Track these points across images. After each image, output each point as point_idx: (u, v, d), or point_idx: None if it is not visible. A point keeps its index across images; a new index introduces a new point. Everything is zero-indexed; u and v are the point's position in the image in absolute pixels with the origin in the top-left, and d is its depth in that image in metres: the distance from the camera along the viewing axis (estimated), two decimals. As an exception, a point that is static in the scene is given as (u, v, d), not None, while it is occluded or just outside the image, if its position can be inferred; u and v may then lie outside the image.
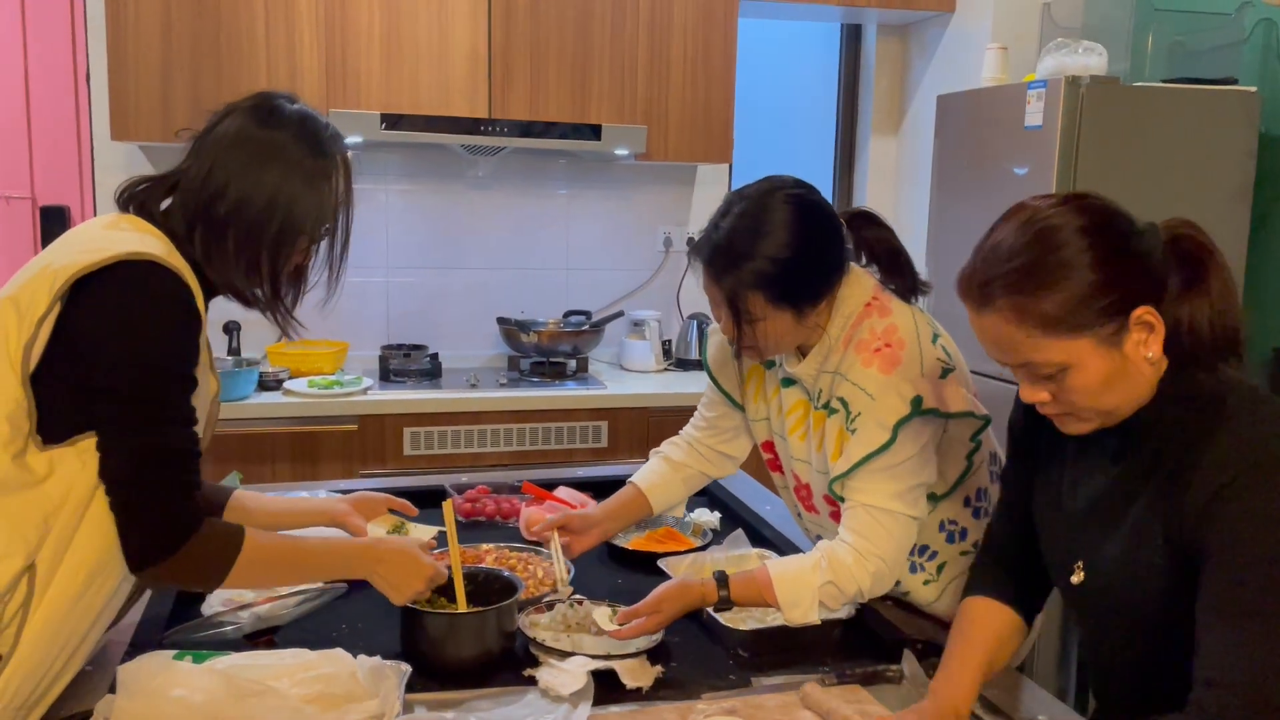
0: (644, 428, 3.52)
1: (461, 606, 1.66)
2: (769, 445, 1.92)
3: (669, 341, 4.02)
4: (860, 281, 1.72)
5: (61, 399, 1.28)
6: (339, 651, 1.47)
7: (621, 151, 3.59)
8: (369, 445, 3.31)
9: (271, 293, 1.45)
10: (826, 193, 4.48)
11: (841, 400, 1.67)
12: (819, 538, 1.97)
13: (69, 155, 3.55)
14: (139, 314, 1.28)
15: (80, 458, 1.28)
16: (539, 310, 3.95)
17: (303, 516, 1.73)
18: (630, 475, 2.08)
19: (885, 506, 1.63)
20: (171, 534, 1.29)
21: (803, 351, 1.75)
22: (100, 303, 1.28)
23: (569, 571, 1.86)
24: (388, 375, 3.61)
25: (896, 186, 4.32)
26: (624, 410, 3.51)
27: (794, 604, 1.64)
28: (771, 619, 1.72)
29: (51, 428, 1.27)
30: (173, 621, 1.67)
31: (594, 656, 1.58)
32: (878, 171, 4.34)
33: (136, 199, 1.43)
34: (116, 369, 1.27)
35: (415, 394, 3.40)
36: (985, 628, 1.44)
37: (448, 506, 1.74)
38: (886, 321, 1.67)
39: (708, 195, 4.12)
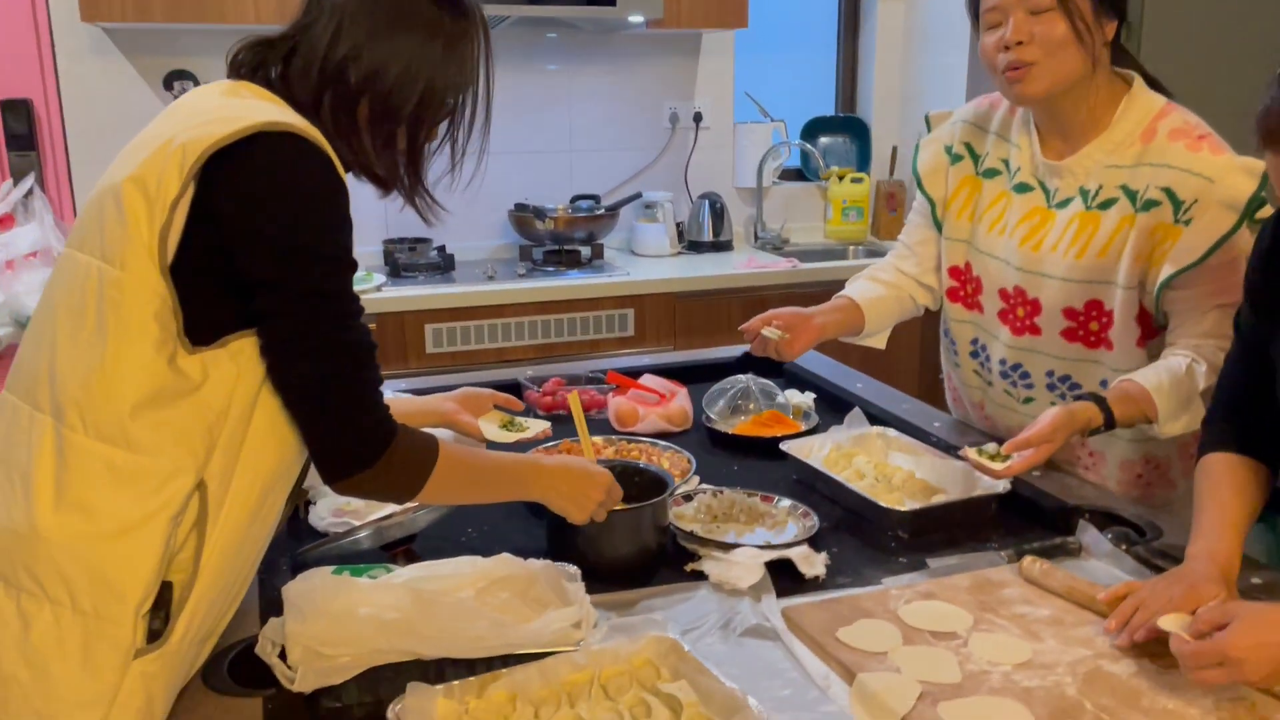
0: (670, 314, 3.40)
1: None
2: (958, 271, 1.86)
3: (681, 224, 3.87)
4: (1149, 91, 1.68)
5: (206, 294, 1.11)
6: (507, 557, 1.35)
7: (635, 19, 3.37)
8: (389, 344, 3.14)
9: (413, 173, 1.28)
10: (829, 58, 4.34)
11: (1166, 191, 1.58)
12: (980, 402, 1.90)
13: (27, 44, 3.21)
14: (292, 192, 1.11)
15: (234, 360, 1.11)
16: (543, 196, 3.76)
17: (412, 419, 1.58)
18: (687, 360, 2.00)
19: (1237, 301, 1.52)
20: (372, 443, 1.14)
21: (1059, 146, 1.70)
22: (245, 181, 1.10)
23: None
24: (397, 271, 3.41)
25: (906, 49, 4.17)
26: (649, 297, 3.38)
27: (1174, 415, 1.57)
28: (935, 499, 1.65)
29: (197, 327, 1.11)
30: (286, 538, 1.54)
31: (759, 547, 1.49)
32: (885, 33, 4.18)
33: (250, 63, 1.24)
34: (277, 257, 1.10)
35: (431, 289, 3.21)
36: (1234, 484, 1.36)
37: (574, 399, 1.62)
38: (1196, 118, 1.62)
39: (714, 66, 3.92)
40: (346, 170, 1.25)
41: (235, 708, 1.16)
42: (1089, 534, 1.53)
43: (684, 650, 1.22)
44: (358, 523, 1.56)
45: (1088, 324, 1.68)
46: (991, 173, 1.81)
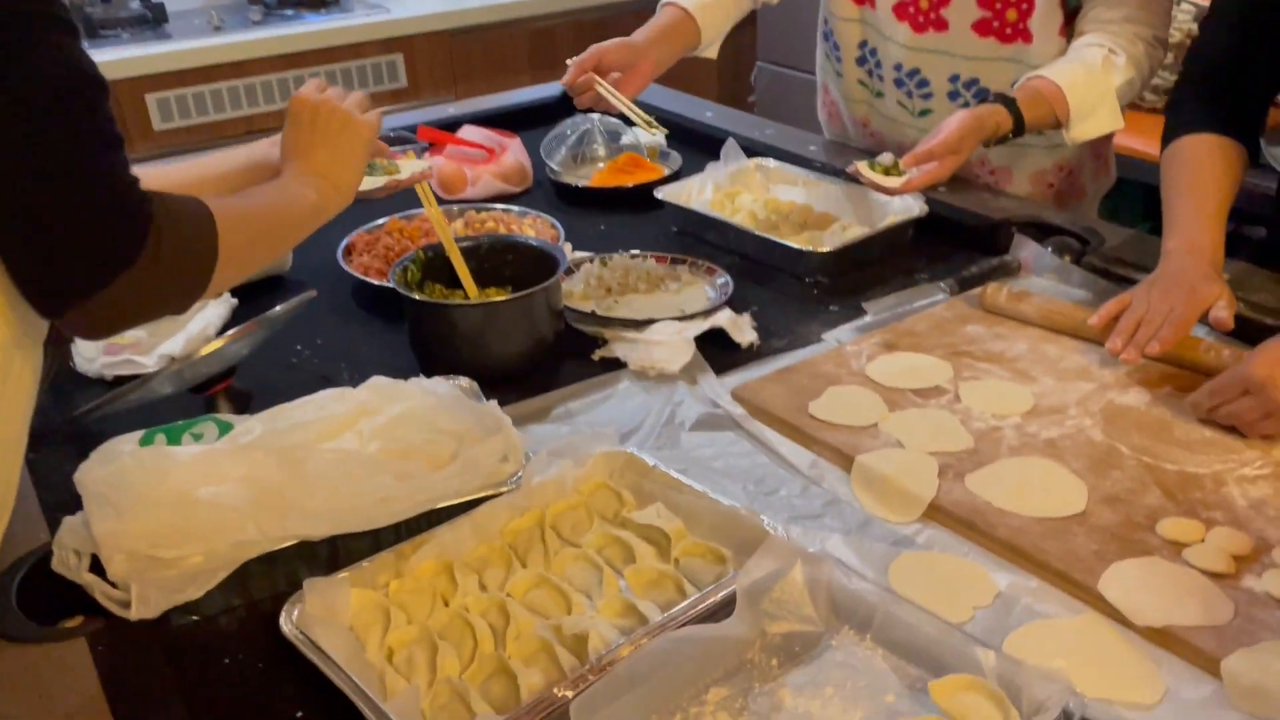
0: (447, 57, 2.91)
1: (471, 292, 1.23)
2: None
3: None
4: None
5: None
6: (383, 381, 1.01)
7: None
8: (104, 125, 2.52)
9: None
10: None
11: None
12: (865, 117, 1.65)
13: None
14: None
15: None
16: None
17: (227, 180, 1.12)
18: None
19: None
20: (126, 232, 0.73)
21: None
22: None
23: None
24: (93, 31, 2.70)
25: None
26: (418, 39, 2.86)
27: (1084, 115, 1.37)
28: (848, 234, 1.41)
29: None
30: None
31: (677, 319, 1.22)
32: None
33: None
34: None
35: (141, 50, 2.58)
36: (1212, 169, 1.17)
37: (408, 160, 1.24)
38: None
39: None
40: None
41: (42, 657, 0.80)
42: (1027, 248, 1.35)
43: (645, 463, 0.96)
44: (143, 358, 1.16)
45: (1004, 12, 1.44)
46: None
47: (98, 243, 0.72)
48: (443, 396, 0.99)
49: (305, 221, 0.97)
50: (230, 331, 1.08)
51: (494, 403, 1.00)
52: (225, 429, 0.97)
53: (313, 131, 1.02)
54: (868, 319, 1.27)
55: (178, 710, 0.76)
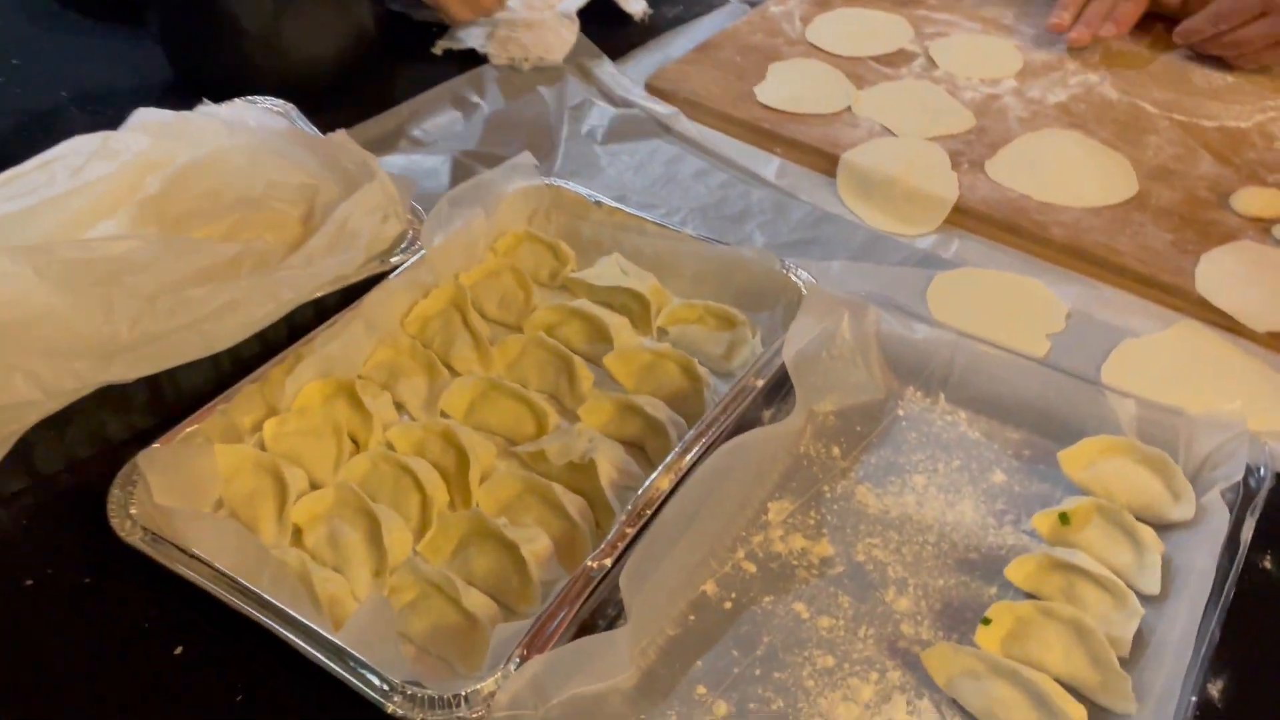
0: None
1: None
2: None
3: None
4: None
5: None
6: (161, 116, 0.66)
7: None
8: None
9: None
10: None
11: None
12: None
13: None
14: None
15: None
16: None
17: None
18: None
19: None
20: None
21: None
22: None
23: None
24: None
25: None
26: None
27: None
28: None
29: None
30: None
31: (541, -14, 0.91)
32: None
33: None
34: None
35: None
36: None
37: None
38: None
39: None
40: None
41: None
42: None
43: (579, 196, 0.68)
44: None
45: None
46: None
47: None
48: (262, 131, 0.66)
49: None
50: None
51: (342, 133, 0.68)
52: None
53: None
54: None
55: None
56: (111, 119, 0.67)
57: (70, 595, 0.52)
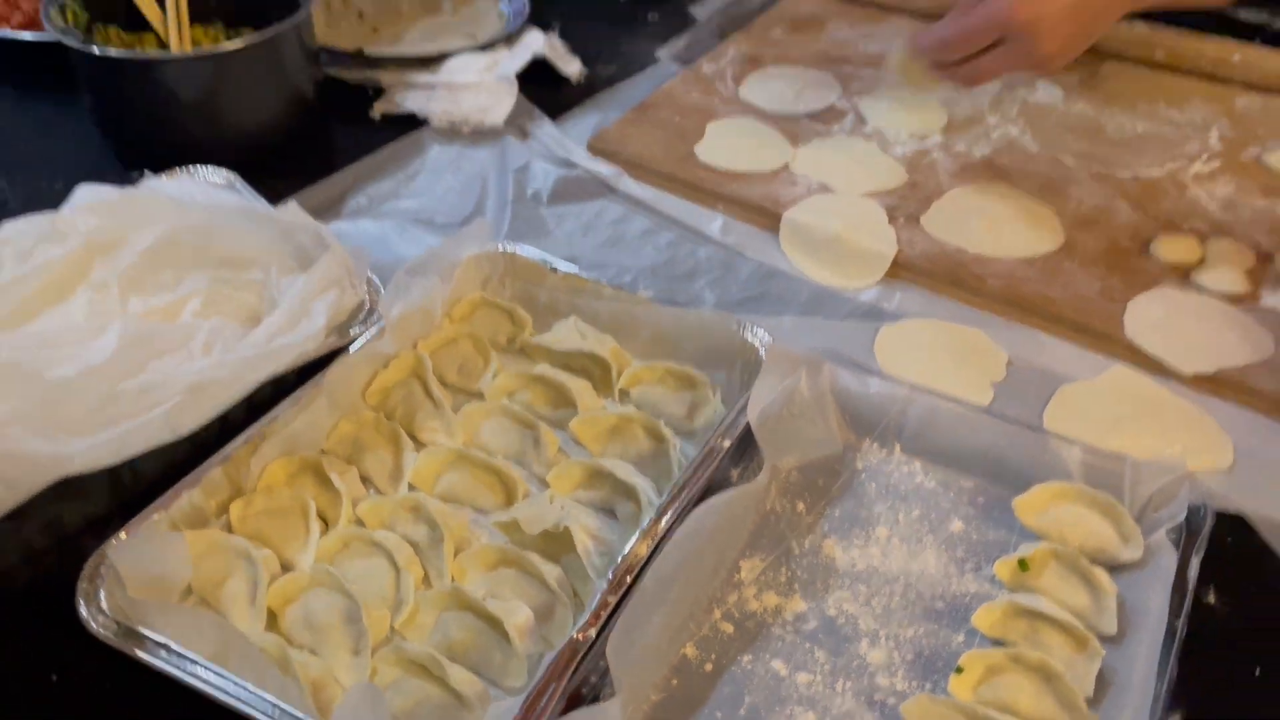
0: None
1: (165, 33, 0.84)
2: None
3: None
4: None
5: None
6: (105, 193, 0.65)
7: None
8: None
9: None
10: None
11: None
12: None
13: None
14: None
15: None
16: None
17: None
18: None
19: None
20: None
21: None
22: None
23: None
24: None
25: None
26: None
27: None
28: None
29: None
30: None
31: (479, 50, 0.91)
32: None
33: None
34: None
35: None
36: None
37: None
38: None
39: None
40: None
41: None
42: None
43: (532, 261, 0.69)
44: None
45: None
46: None
47: None
48: (213, 207, 0.66)
49: None
50: None
51: (294, 204, 0.67)
52: None
53: None
54: (699, 24, 1.03)
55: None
56: (46, 192, 0.66)
57: (38, 693, 0.50)
